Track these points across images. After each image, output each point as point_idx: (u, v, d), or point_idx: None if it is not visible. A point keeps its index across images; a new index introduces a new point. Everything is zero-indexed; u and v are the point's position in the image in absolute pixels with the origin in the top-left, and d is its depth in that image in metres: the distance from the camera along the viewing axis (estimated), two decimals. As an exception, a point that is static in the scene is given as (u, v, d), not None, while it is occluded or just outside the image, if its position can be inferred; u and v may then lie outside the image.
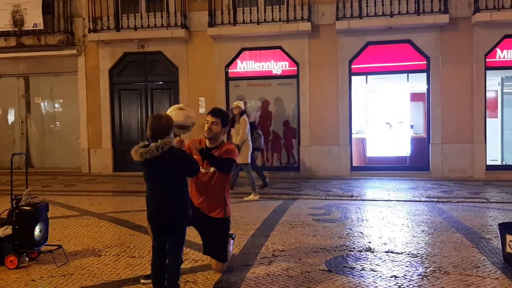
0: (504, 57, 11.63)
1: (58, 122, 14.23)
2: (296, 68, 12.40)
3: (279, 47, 12.40)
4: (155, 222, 3.88)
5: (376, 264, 4.74)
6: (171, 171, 3.77)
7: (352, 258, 4.95)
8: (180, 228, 3.85)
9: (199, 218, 4.40)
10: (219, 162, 4.38)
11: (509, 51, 11.60)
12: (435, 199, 8.59)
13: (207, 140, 4.58)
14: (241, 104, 9.05)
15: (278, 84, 12.71)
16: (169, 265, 3.85)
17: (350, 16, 11.74)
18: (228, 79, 12.74)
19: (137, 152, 3.71)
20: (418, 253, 5.11)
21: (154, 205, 3.83)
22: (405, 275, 4.42)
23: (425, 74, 11.97)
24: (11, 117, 14.35)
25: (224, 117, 4.57)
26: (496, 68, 11.82)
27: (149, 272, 4.21)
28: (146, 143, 3.77)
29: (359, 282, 4.22)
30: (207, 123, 4.52)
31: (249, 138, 8.82)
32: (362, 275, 4.42)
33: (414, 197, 8.88)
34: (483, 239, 5.68)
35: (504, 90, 12.61)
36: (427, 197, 8.79)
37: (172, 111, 4.41)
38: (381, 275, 4.42)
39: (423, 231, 6.15)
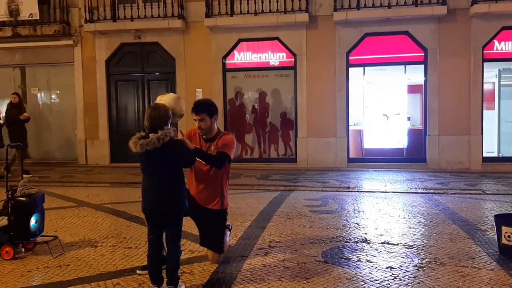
0: (501, 49, 11.62)
1: (54, 113, 14.16)
2: (293, 60, 12.36)
3: (277, 38, 12.35)
4: (151, 214, 3.85)
5: (372, 255, 4.75)
6: (170, 162, 3.74)
7: (348, 249, 4.97)
8: (177, 220, 3.85)
9: (196, 209, 4.39)
10: (211, 159, 4.30)
11: (506, 43, 11.58)
12: (432, 191, 8.60)
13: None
14: None
15: (275, 76, 12.67)
16: (169, 256, 3.85)
17: (348, 7, 11.70)
18: (225, 70, 12.69)
19: (136, 143, 3.66)
20: (414, 244, 5.13)
21: (151, 198, 3.79)
22: (401, 266, 4.43)
23: (422, 66, 11.96)
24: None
25: (208, 109, 4.39)
26: (494, 60, 11.80)
27: (145, 263, 4.21)
28: (143, 134, 3.74)
29: (355, 273, 4.24)
30: (195, 121, 4.40)
31: None
32: (358, 266, 4.44)
33: (410, 188, 8.90)
34: (479, 231, 5.70)
35: (501, 82, 12.58)
36: (423, 189, 8.81)
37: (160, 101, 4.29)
38: (377, 266, 4.44)
39: (419, 222, 6.17)
